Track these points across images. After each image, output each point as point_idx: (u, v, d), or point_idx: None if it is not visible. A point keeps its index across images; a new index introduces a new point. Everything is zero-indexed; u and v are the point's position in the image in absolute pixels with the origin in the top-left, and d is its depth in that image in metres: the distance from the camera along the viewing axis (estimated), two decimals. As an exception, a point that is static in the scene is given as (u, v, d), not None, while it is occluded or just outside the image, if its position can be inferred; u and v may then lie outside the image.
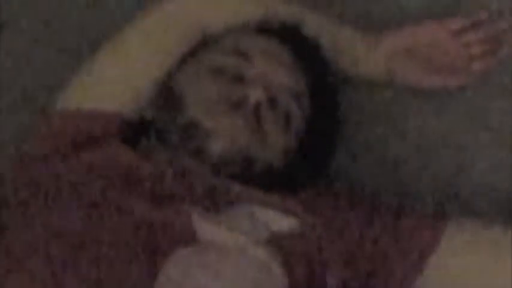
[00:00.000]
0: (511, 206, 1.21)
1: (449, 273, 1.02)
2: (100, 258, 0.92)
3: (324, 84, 1.14)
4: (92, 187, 1.00)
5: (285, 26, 1.14)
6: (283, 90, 1.06)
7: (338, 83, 1.18)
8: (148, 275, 0.91)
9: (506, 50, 1.18)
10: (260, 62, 1.06)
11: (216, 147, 1.00)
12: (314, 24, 1.16)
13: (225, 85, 1.04)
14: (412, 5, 1.26)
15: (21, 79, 1.35)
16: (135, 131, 1.12)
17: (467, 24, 1.18)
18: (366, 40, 1.19)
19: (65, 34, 1.34)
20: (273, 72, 1.06)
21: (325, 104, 1.14)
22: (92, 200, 0.98)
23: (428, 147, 1.24)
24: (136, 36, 1.16)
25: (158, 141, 1.06)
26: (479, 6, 1.22)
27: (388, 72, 1.19)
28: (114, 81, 1.13)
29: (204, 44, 1.13)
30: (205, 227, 0.95)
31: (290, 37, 1.12)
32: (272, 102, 1.04)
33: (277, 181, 1.06)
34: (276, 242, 0.97)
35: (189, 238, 0.94)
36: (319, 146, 1.13)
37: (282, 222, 0.99)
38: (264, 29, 1.13)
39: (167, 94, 1.09)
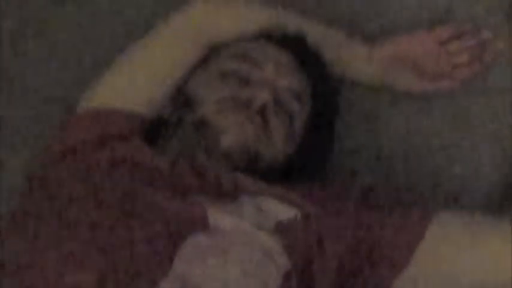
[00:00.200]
0: (492, 199, 1.22)
1: (436, 260, 1.05)
2: (126, 242, 0.94)
3: (323, 87, 1.18)
4: (118, 178, 1.02)
5: (290, 34, 1.18)
6: (287, 92, 1.11)
7: (336, 86, 1.22)
8: (166, 256, 0.93)
9: (489, 58, 1.21)
10: (266, 67, 1.11)
11: (226, 143, 1.05)
12: (315, 34, 1.19)
13: (235, 87, 1.09)
14: (404, 17, 1.29)
15: (47, 79, 1.36)
16: (153, 129, 1.15)
17: (454, 34, 1.21)
18: (362, 48, 1.23)
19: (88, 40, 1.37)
20: (278, 76, 1.11)
21: (325, 105, 1.18)
22: (118, 190, 1.00)
23: (416, 145, 1.27)
24: (156, 44, 1.20)
25: (174, 138, 1.11)
26: (465, 18, 1.26)
27: (381, 76, 1.23)
28: (136, 83, 1.17)
29: (216, 50, 1.17)
30: (217, 215, 0.98)
31: (294, 45, 1.16)
32: (277, 103, 1.09)
33: (281, 174, 1.11)
34: (279, 229, 1.00)
35: (202, 225, 0.96)
36: (318, 142, 1.18)
37: (285, 211, 1.02)
38: (270, 37, 1.17)
39: (183, 95, 1.13)
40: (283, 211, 1.02)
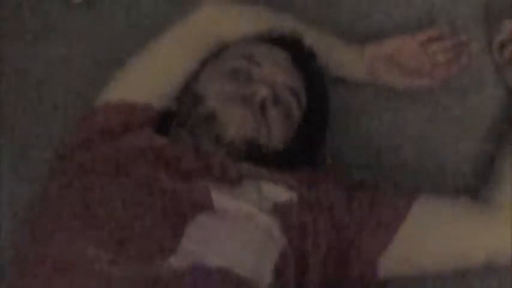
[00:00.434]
0: (468, 190, 1.22)
1: (418, 240, 1.08)
2: (139, 221, 0.97)
3: (317, 84, 1.21)
4: (133, 164, 1.04)
5: (287, 36, 1.20)
6: (284, 89, 1.13)
7: (329, 83, 1.24)
8: (175, 235, 0.95)
9: (466, 58, 1.22)
10: (267, 65, 1.13)
11: (230, 133, 1.08)
12: (310, 36, 1.21)
13: (238, 84, 1.11)
14: (391, 21, 1.33)
15: (68, 78, 1.38)
16: (165, 121, 1.17)
17: (434, 36, 1.24)
18: (353, 49, 1.26)
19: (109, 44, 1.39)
20: (277, 74, 1.13)
21: (318, 100, 1.21)
22: (133, 176, 1.03)
23: (401, 137, 1.28)
24: (167, 44, 1.21)
25: (183, 128, 1.13)
26: (445, 22, 1.30)
27: (370, 74, 1.26)
28: (149, 79, 1.19)
29: (222, 51, 1.20)
30: (221, 198, 1.01)
31: (291, 45, 1.19)
32: (275, 98, 1.11)
33: (279, 161, 1.12)
34: (277, 211, 1.03)
35: (208, 206, 1.00)
36: (312, 133, 1.19)
37: (282, 195, 1.06)
38: (269, 38, 1.20)
39: (191, 91, 1.16)
40: (280, 194, 1.06)
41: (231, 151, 1.09)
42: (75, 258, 0.93)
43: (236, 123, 1.08)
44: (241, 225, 1.00)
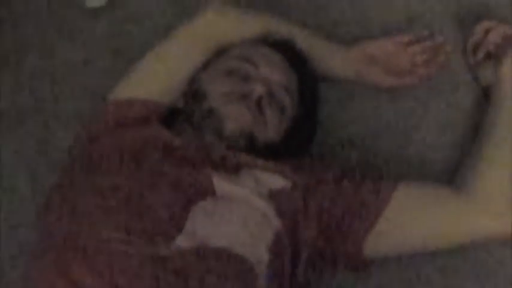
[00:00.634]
0: (442, 180, 1.21)
1: (401, 222, 1.10)
2: (148, 206, 0.99)
3: (308, 83, 1.23)
4: (143, 154, 1.07)
5: (281, 39, 1.23)
6: (279, 87, 1.16)
7: (318, 82, 1.27)
8: (181, 217, 0.99)
9: (442, 58, 1.26)
10: (263, 66, 1.16)
11: (229, 127, 1.10)
12: (302, 39, 1.25)
13: (236, 83, 1.13)
14: (374, 26, 1.36)
15: (86, 76, 1.42)
16: (171, 116, 1.20)
17: (413, 38, 1.26)
18: (340, 50, 1.28)
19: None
20: (272, 74, 1.16)
21: (309, 97, 1.23)
22: (143, 164, 1.05)
23: (382, 131, 1.31)
24: (173, 46, 1.24)
25: (187, 122, 1.15)
26: (423, 26, 1.34)
27: (355, 73, 1.28)
28: (157, 78, 1.21)
29: (222, 52, 1.22)
30: (222, 184, 1.04)
31: (284, 48, 1.22)
32: (270, 95, 1.14)
33: (274, 152, 1.15)
34: (272, 196, 1.07)
35: (210, 192, 1.03)
36: (304, 127, 1.22)
37: (277, 182, 1.09)
38: (265, 41, 1.23)
39: (194, 89, 1.18)
40: (275, 181, 1.09)
41: (230, 143, 1.11)
42: (93, 239, 0.96)
43: (235, 118, 1.10)
44: (240, 209, 1.03)
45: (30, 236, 1.20)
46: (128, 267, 0.92)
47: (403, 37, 1.27)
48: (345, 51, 1.28)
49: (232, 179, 1.06)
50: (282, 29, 1.26)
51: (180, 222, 0.98)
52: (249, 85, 1.13)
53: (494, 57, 1.25)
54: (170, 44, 1.24)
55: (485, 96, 1.27)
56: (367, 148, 1.31)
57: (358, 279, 1.20)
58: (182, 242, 0.96)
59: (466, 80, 1.32)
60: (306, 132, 1.25)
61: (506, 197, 1.09)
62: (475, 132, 1.23)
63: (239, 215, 1.02)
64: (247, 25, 1.25)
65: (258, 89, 1.12)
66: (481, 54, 1.26)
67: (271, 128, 1.15)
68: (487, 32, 1.25)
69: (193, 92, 1.18)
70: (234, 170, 1.08)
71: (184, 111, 1.18)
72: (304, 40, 1.25)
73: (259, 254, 1.02)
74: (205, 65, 1.22)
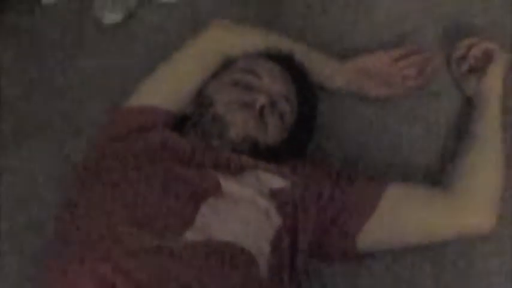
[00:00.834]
0: (427, 181, 1.26)
1: (391, 219, 1.13)
2: (160, 203, 1.02)
3: (307, 93, 1.26)
4: (155, 156, 1.09)
5: (282, 53, 1.26)
6: (280, 97, 1.19)
7: (316, 92, 1.30)
8: (190, 214, 1.01)
9: (430, 71, 1.31)
10: (265, 77, 1.19)
11: (234, 133, 1.13)
12: (301, 52, 1.28)
13: (241, 92, 1.16)
14: (367, 42, 1.40)
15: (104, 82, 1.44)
16: (180, 122, 1.22)
17: (403, 53, 1.31)
18: (335, 63, 1.32)
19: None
20: (274, 85, 1.19)
21: (307, 106, 1.25)
22: (155, 165, 1.07)
23: (372, 136, 1.35)
24: (182, 58, 1.27)
25: (195, 127, 1.18)
26: (412, 42, 1.38)
27: (348, 84, 1.32)
28: (168, 88, 1.24)
29: (228, 64, 1.25)
30: (227, 184, 1.07)
31: (285, 61, 1.24)
32: (272, 105, 1.17)
33: (274, 155, 1.17)
34: (273, 196, 1.09)
35: (217, 191, 1.06)
36: (302, 132, 1.25)
37: (278, 182, 1.12)
38: (267, 55, 1.25)
39: (202, 97, 1.21)
40: (276, 181, 1.12)
41: (235, 147, 1.14)
42: (108, 233, 0.98)
43: (239, 125, 1.13)
44: (244, 207, 1.05)
45: (30, 235, 1.25)
46: (141, 260, 0.93)
47: (394, 52, 1.32)
48: (339, 64, 1.32)
49: (237, 179, 1.09)
50: (281, 43, 1.28)
51: (190, 219, 1.01)
52: (253, 95, 1.16)
53: (476, 70, 1.30)
54: (181, 57, 1.27)
55: (469, 105, 1.30)
56: (357, 151, 1.34)
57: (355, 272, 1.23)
58: (192, 235, 0.98)
59: (450, 90, 1.36)
60: (304, 137, 1.27)
61: (486, 196, 1.14)
62: (460, 137, 1.27)
63: (244, 212, 1.05)
64: (251, 40, 1.28)
65: (261, 99, 1.15)
66: (465, 67, 1.31)
67: (272, 134, 1.18)
68: (469, 47, 1.30)
69: (202, 100, 1.21)
70: (238, 171, 1.10)
71: (193, 117, 1.21)
72: (301, 54, 1.28)
73: (261, 248, 1.04)
74: (213, 76, 1.24)
